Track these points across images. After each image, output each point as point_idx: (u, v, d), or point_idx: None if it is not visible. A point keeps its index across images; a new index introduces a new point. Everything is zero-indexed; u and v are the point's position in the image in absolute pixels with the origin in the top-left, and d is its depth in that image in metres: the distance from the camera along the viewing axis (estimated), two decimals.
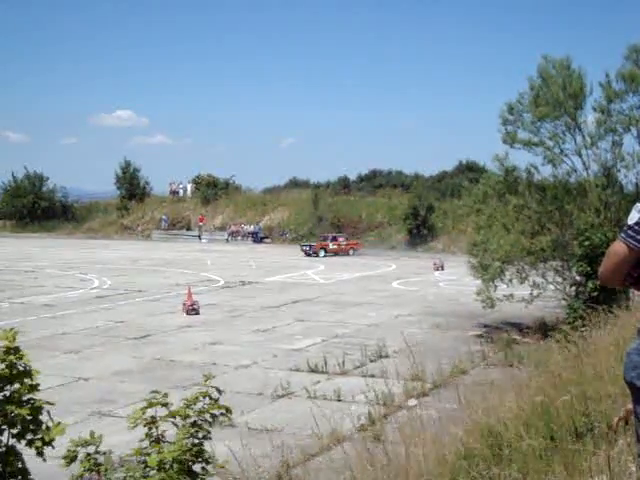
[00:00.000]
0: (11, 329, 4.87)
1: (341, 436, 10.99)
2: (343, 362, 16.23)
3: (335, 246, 48.95)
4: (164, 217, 68.40)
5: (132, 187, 73.28)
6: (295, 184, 74.28)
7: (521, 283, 21.67)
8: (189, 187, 73.37)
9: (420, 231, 56.51)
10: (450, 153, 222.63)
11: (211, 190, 70.58)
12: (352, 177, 73.79)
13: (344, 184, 70.99)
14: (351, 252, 49.81)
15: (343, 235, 52.37)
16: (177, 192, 73.73)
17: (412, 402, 13.12)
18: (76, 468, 5.77)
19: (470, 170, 62.70)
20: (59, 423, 4.95)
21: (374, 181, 71.92)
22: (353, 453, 8.91)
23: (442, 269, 40.35)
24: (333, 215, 61.61)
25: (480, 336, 20.79)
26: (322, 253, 47.82)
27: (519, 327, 20.49)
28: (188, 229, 67.62)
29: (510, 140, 22.18)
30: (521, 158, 41.09)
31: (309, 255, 47.50)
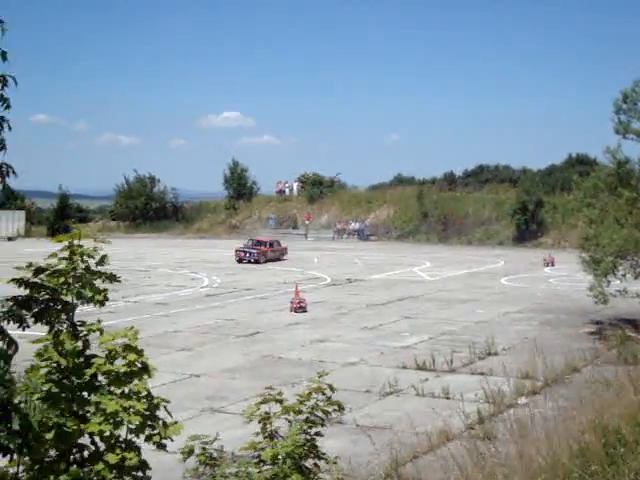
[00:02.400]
0: (131, 328, 5.05)
1: (450, 434, 10.92)
2: (451, 360, 16.11)
3: (272, 253, 44.23)
4: (272, 216, 69.24)
5: (240, 187, 74.48)
6: (400, 181, 73.92)
7: (635, 278, 21.01)
8: (295, 186, 74.04)
9: (529, 226, 55.49)
10: (559, 146, 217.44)
11: (317, 188, 71.04)
12: (458, 172, 72.86)
13: (450, 180, 70.21)
14: (282, 257, 44.61)
15: (276, 240, 47.51)
16: (283, 191, 74.52)
17: (522, 400, 12.92)
18: (192, 462, 5.95)
19: (580, 163, 61.03)
20: (176, 422, 5.11)
21: (481, 176, 70.81)
22: (462, 451, 8.86)
23: (552, 265, 39.53)
24: (439, 212, 61.11)
25: (592, 333, 20.28)
26: (262, 259, 42.27)
27: (634, 324, 19.88)
28: (294, 227, 68.25)
29: (623, 130, 21.49)
30: (634, 150, 39.83)
31: (242, 262, 41.78)
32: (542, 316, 23.28)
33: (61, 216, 68.33)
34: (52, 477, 4.68)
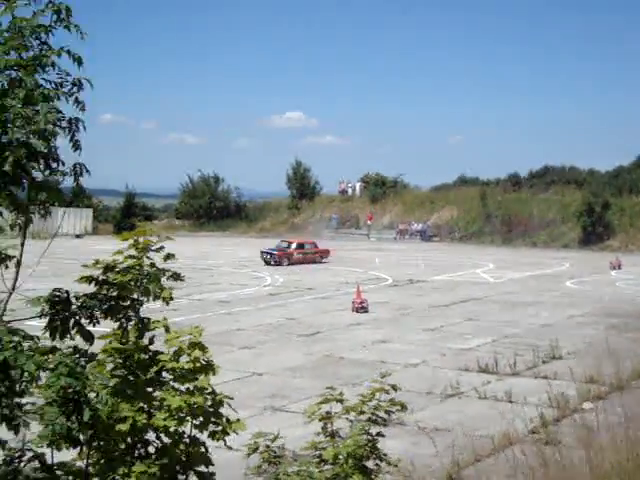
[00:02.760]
0: (197, 326, 5.12)
1: (513, 438, 10.79)
2: (514, 363, 15.92)
3: (301, 255, 41.98)
4: (334, 216, 69.37)
5: (302, 187, 74.85)
6: (464, 182, 73.30)
7: None
8: (358, 186, 74.07)
9: (595, 229, 54.58)
10: (627, 147, 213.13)
11: (379, 189, 70.97)
12: (523, 173, 71.92)
13: (514, 181, 69.38)
14: (318, 260, 42.46)
15: (310, 241, 45.30)
16: (346, 191, 74.61)
17: (587, 405, 12.70)
18: (253, 459, 6.00)
19: None
20: (238, 420, 5.16)
21: (546, 177, 69.78)
22: (525, 456, 8.75)
23: (619, 268, 38.82)
24: (502, 213, 60.47)
25: None
26: (285, 262, 40.75)
27: None
28: (357, 227, 68.27)
29: None
30: None
31: (269, 264, 40.44)
32: (608, 320, 22.85)
33: (127, 214, 69.57)
34: (120, 471, 4.77)
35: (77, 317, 4.56)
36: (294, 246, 42.64)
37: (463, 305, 26.24)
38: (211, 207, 73.38)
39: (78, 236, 62.40)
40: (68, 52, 4.46)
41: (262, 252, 42.09)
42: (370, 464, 5.72)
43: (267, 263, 40.67)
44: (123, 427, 4.70)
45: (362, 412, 5.94)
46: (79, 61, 4.47)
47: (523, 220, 59.40)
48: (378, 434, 5.82)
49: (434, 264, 41.69)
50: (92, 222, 68.78)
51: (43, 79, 4.41)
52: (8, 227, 4.43)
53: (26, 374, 3.84)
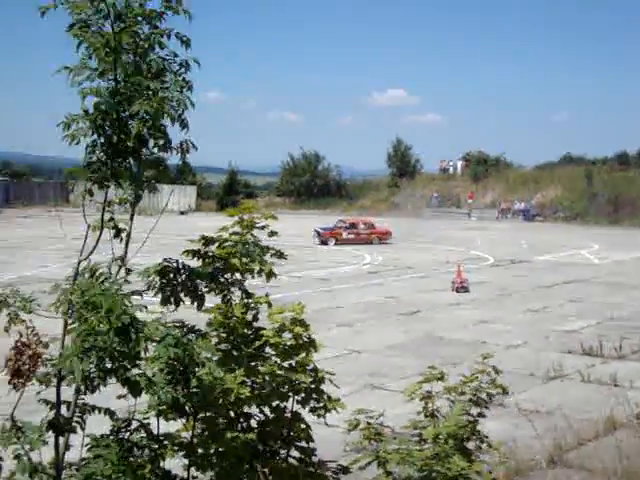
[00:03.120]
0: (299, 303, 5.17)
1: (617, 423, 10.54)
2: (620, 346, 15.49)
3: (352, 235, 40.65)
4: (435, 195, 68.82)
5: (403, 165, 74.49)
6: (569, 160, 71.48)
7: None
8: (459, 164, 73.23)
9: None
10: None
11: (481, 167, 69.97)
12: (632, 152, 69.56)
13: (622, 160, 67.26)
14: (375, 242, 40.33)
15: (367, 221, 43.74)
16: (447, 169, 73.89)
17: None
18: (353, 436, 6.03)
19: None
20: (339, 399, 5.21)
21: None
22: (630, 441, 8.54)
23: None
24: (609, 192, 58.78)
25: None
26: (332, 242, 39.91)
27: None
28: (458, 207, 67.53)
29: None
30: None
31: (322, 243, 39.89)
32: None
33: (229, 192, 70.67)
34: (223, 443, 4.87)
35: (188, 286, 4.68)
36: (345, 225, 41.72)
37: (566, 286, 25.69)
38: (311, 185, 73.79)
39: (182, 213, 63.75)
40: (177, 35, 4.55)
41: (314, 230, 41.46)
42: (471, 445, 5.67)
43: (320, 242, 40.06)
44: (227, 399, 4.79)
45: (463, 393, 5.90)
46: (187, 43, 4.57)
47: (630, 200, 57.59)
48: (479, 415, 5.77)
49: (537, 244, 40.90)
50: (196, 199, 70.16)
51: (152, 60, 4.51)
52: (117, 202, 4.56)
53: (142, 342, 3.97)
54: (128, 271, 4.41)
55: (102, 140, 4.34)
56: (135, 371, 4.15)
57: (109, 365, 3.97)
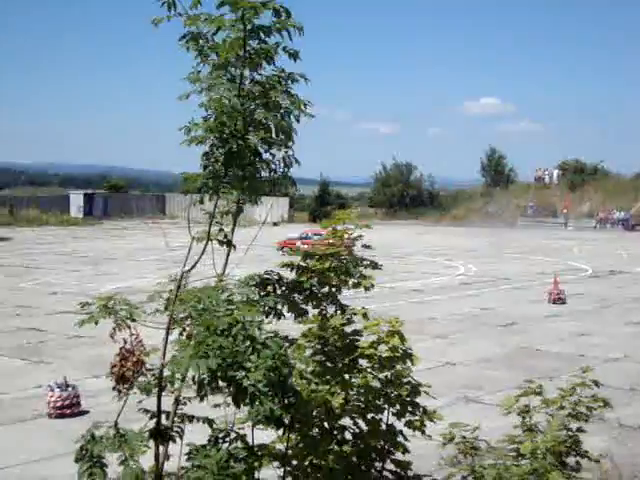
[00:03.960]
0: (396, 317, 5.16)
1: None
2: None
3: (305, 246, 39.47)
4: (530, 204, 67.64)
5: (497, 174, 73.49)
6: None
7: None
8: (555, 173, 71.76)
9: None
10: None
11: (578, 176, 68.45)
12: None
13: None
14: None
15: (319, 232, 40.94)
16: (542, 178, 72.50)
17: None
18: (448, 450, 5.96)
19: None
20: (435, 411, 5.16)
21: None
22: None
23: None
24: None
25: None
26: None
27: None
28: (554, 216, 66.19)
29: None
30: None
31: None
32: None
33: (321, 202, 70.97)
34: (318, 454, 4.89)
35: (288, 299, 4.73)
36: (297, 237, 40.85)
37: None
38: (404, 195, 73.53)
39: (275, 224, 64.33)
40: (284, 48, 4.63)
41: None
42: (570, 461, 5.55)
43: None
44: (322, 411, 4.81)
45: (562, 407, 5.77)
46: (295, 56, 4.63)
47: None
48: (579, 430, 5.64)
49: (638, 255, 39.72)
50: (288, 210, 70.74)
51: (259, 74, 4.61)
52: (219, 215, 4.64)
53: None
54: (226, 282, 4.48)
55: (220, 148, 4.44)
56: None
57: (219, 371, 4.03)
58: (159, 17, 4.53)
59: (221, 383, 4.06)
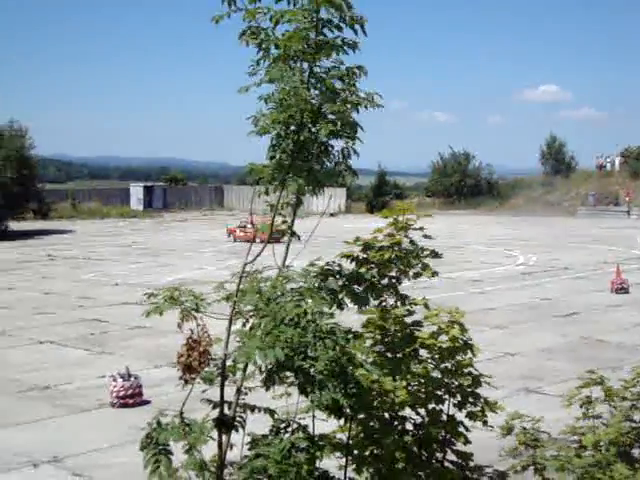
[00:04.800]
0: (456, 308, 5.14)
1: None
2: None
3: (242, 233, 42.17)
4: (591, 193, 66.48)
5: (557, 163, 72.42)
6: None
7: None
8: (617, 160, 70.40)
9: None
10: None
11: None
12: None
13: None
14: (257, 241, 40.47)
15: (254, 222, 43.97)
16: (604, 166, 71.18)
17: None
18: (509, 441, 5.93)
19: None
20: (496, 402, 5.13)
21: None
22: None
23: None
24: None
25: None
26: (230, 238, 42.32)
27: None
28: (616, 204, 64.98)
29: None
30: None
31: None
32: None
33: (379, 193, 70.77)
34: (378, 444, 4.91)
35: (349, 289, 4.75)
36: (239, 225, 43.25)
37: None
38: (462, 185, 72.87)
39: (332, 214, 64.35)
40: (343, 40, 4.65)
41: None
42: (635, 452, 5.47)
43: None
44: (383, 401, 4.82)
45: (624, 398, 5.70)
46: (355, 47, 4.66)
47: None
48: None
49: None
50: (345, 201, 70.68)
51: (318, 66, 4.64)
52: (280, 206, 4.67)
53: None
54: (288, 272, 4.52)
55: (287, 139, 4.48)
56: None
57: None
58: (219, 15, 4.57)
59: (287, 373, 4.11)
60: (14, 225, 48.49)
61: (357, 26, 4.59)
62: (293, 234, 4.65)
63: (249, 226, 43.85)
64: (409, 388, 5.12)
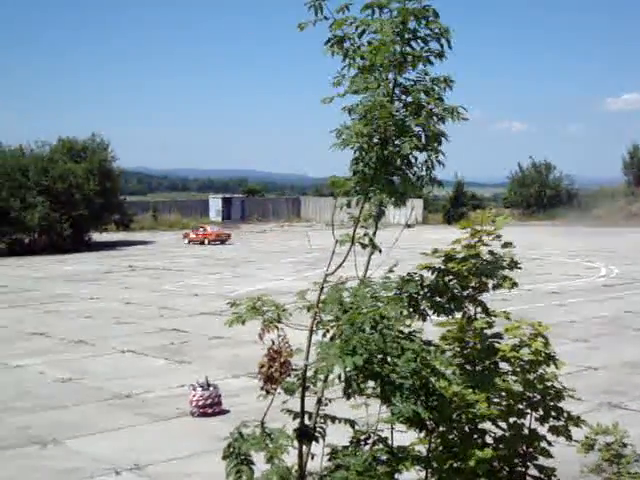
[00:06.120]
0: (539, 321, 5.05)
1: None
2: None
3: (194, 235, 51.32)
4: None
5: None
6: None
7: None
8: None
9: None
10: None
11: None
12: None
13: None
14: (206, 242, 49.90)
15: (203, 226, 53.80)
16: None
17: None
18: (591, 456, 5.79)
19: None
20: (579, 417, 5.03)
21: None
22: None
23: None
24: None
25: None
26: (185, 241, 51.00)
27: None
28: None
29: None
30: None
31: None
32: None
33: (456, 204, 70.20)
34: (458, 457, 4.85)
35: (432, 300, 4.72)
36: (194, 230, 52.71)
37: None
38: (541, 195, 71.82)
39: (409, 226, 63.94)
40: (429, 50, 4.64)
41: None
42: None
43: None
44: (464, 414, 4.77)
45: None
46: (441, 56, 4.64)
47: None
48: None
49: None
50: (422, 212, 70.32)
51: (405, 78, 4.64)
52: (362, 219, 4.67)
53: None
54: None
55: (371, 152, 4.49)
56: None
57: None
58: (304, 22, 4.60)
59: (367, 383, 4.11)
60: (97, 236, 49.67)
61: (443, 39, 4.56)
62: (375, 246, 4.64)
63: (201, 230, 52.60)
64: (489, 401, 5.05)
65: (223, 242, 51.03)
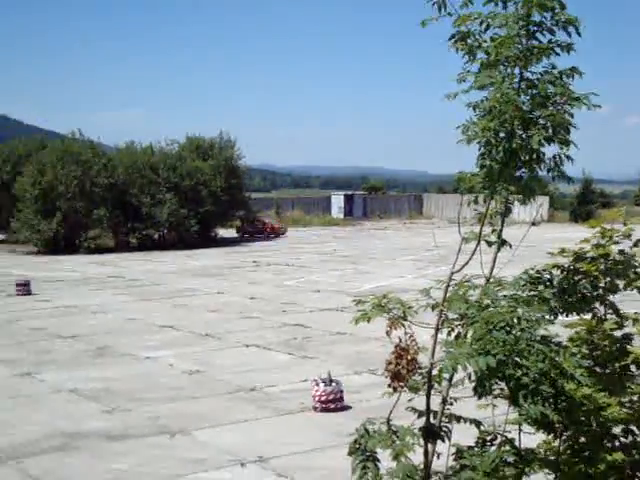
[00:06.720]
0: None
1: None
2: None
3: (250, 229, 53.37)
4: None
5: None
6: None
7: None
8: None
9: None
10: None
11: None
12: None
13: None
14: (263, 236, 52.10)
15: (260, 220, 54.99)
16: None
17: None
18: None
19: None
20: None
21: None
22: None
23: None
24: None
25: None
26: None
27: None
28: None
29: None
30: None
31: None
32: None
33: (584, 201, 68.25)
34: (588, 462, 4.73)
35: (557, 300, 4.63)
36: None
37: None
38: None
39: (534, 223, 62.58)
40: (556, 42, 4.55)
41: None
42: None
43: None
44: (596, 418, 4.64)
45: None
46: (569, 48, 4.56)
47: None
48: None
49: None
50: (548, 210, 68.72)
51: (530, 71, 4.58)
52: (489, 216, 4.62)
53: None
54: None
55: (498, 146, 4.45)
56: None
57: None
58: (427, 18, 4.59)
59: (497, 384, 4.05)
60: (223, 232, 50.82)
61: (571, 28, 4.47)
62: (504, 243, 4.58)
63: (258, 224, 53.94)
64: (621, 405, 4.90)
65: (278, 236, 52.41)
